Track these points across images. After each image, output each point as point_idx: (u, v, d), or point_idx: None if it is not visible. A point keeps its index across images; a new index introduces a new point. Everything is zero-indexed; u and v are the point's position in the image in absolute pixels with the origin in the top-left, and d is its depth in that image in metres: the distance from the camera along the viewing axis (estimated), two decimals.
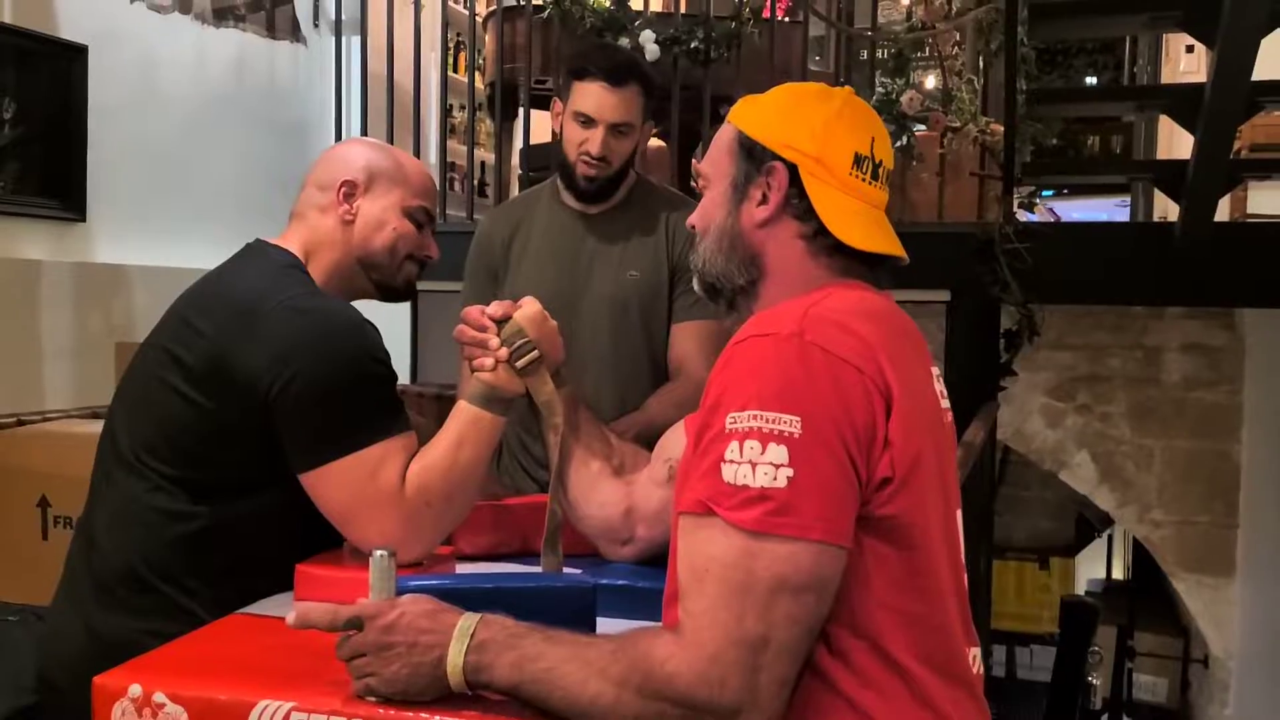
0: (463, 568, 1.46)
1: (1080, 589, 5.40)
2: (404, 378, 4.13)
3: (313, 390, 1.31)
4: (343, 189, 1.51)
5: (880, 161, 1.14)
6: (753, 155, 1.13)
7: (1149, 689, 4.57)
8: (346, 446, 1.31)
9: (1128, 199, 5.81)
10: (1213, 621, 4.05)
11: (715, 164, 1.17)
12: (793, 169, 1.11)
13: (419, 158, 4.24)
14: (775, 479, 0.93)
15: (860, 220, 1.12)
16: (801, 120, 1.13)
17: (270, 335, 1.32)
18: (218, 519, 1.35)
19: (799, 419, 0.95)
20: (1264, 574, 3.87)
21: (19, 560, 2.32)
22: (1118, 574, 5.66)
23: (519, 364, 1.37)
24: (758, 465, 0.94)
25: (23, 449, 2.40)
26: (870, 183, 1.14)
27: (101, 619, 1.36)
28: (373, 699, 1.00)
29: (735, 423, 0.96)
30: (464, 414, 1.38)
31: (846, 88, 1.19)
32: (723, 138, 1.17)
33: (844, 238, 1.11)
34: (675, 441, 1.36)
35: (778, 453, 0.94)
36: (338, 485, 1.31)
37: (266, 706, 1.02)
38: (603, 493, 1.42)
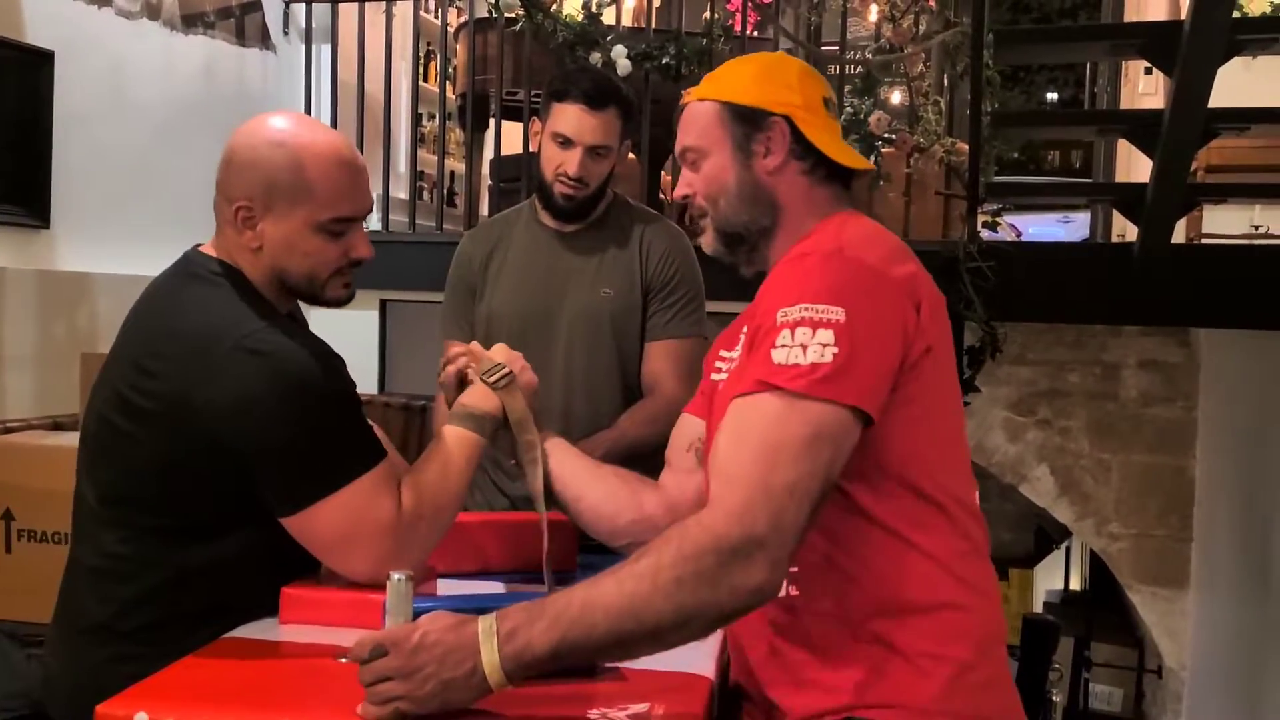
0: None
1: (1039, 600, 5.48)
2: (372, 388, 4.12)
3: (282, 436, 1.26)
4: (240, 215, 1.34)
5: (835, 102, 1.39)
6: (747, 119, 1.31)
7: (1104, 699, 4.65)
8: (331, 484, 1.28)
9: (1071, 215, 5.94)
10: (1167, 633, 4.13)
11: (706, 136, 1.33)
12: (788, 120, 1.30)
13: (389, 167, 4.25)
14: (823, 356, 1.10)
15: (845, 148, 1.36)
16: (780, 81, 1.33)
17: (230, 381, 1.25)
18: (190, 565, 1.31)
19: (843, 309, 1.12)
20: (1217, 587, 3.95)
21: None
22: (1075, 585, 5.75)
23: (492, 380, 1.45)
24: (808, 347, 1.11)
25: None
26: (836, 120, 1.38)
27: (87, 663, 1.34)
28: None
29: (786, 316, 1.13)
30: (449, 435, 1.42)
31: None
32: (704, 113, 1.34)
33: (846, 162, 1.33)
34: (688, 427, 1.47)
35: (825, 335, 1.11)
36: (330, 522, 1.28)
37: None
38: (639, 508, 1.44)
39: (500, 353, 1.50)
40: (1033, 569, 5.51)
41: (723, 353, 1.42)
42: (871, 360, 1.12)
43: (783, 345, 1.12)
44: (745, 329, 1.26)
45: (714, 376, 1.42)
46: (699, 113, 1.35)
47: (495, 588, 1.51)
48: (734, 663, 1.30)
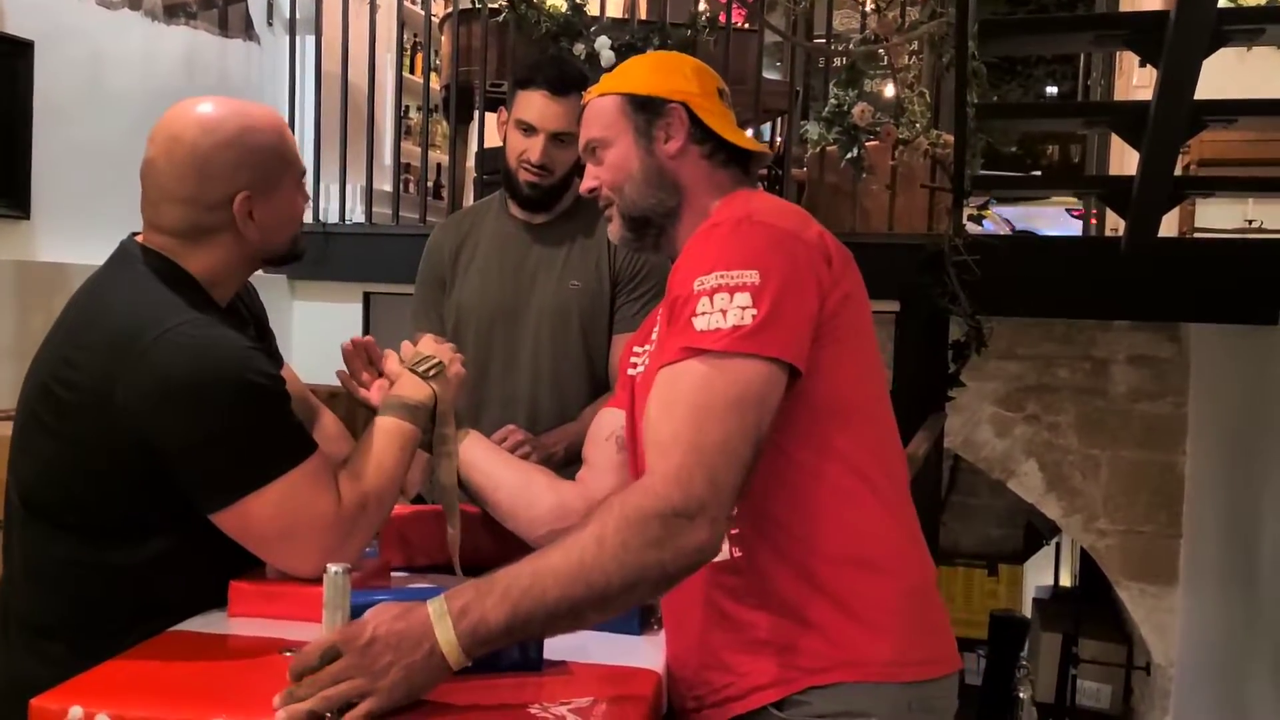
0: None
1: (1028, 596, 5.47)
2: None
3: (204, 430, 1.23)
4: (241, 206, 1.33)
5: (728, 94, 1.44)
6: (646, 107, 1.36)
7: (1093, 695, 4.64)
8: (258, 479, 1.25)
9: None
10: (1155, 629, 4.12)
11: (609, 127, 1.38)
12: (685, 106, 1.36)
13: (372, 159, 4.22)
14: (743, 319, 1.14)
15: (740, 133, 1.41)
16: (676, 72, 1.40)
17: (150, 374, 1.22)
18: (117, 565, 1.28)
19: (757, 270, 1.16)
20: (1205, 583, 3.94)
21: None
22: (1065, 581, 5.74)
23: (421, 369, 1.46)
24: (728, 311, 1.14)
25: None
26: (730, 110, 1.42)
27: (16, 661, 1.32)
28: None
29: (703, 284, 1.16)
30: (383, 426, 1.40)
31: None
32: (606, 106, 1.39)
33: (742, 144, 1.39)
34: (608, 420, 1.49)
35: (743, 298, 1.14)
36: (264, 518, 1.25)
37: None
38: (557, 495, 1.45)
39: (428, 345, 1.51)
40: (1022, 565, 5.50)
41: (636, 349, 1.45)
42: (789, 314, 1.16)
43: (703, 313, 1.15)
44: (660, 311, 1.31)
45: (630, 372, 1.44)
46: (600, 107, 1.40)
47: (453, 581, 1.49)
48: (674, 641, 1.30)
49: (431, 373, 1.45)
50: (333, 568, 1.04)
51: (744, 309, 1.14)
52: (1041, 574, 5.76)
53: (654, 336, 1.37)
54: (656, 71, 1.40)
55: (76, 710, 1.02)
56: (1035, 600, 5.33)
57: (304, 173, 1.45)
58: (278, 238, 1.40)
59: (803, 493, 1.21)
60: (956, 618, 5.14)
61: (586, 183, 1.42)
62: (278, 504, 1.25)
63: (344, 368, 1.52)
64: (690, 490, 1.08)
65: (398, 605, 1.05)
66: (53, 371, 1.29)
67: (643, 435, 1.20)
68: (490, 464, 1.47)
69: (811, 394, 1.19)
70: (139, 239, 1.38)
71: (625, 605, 1.11)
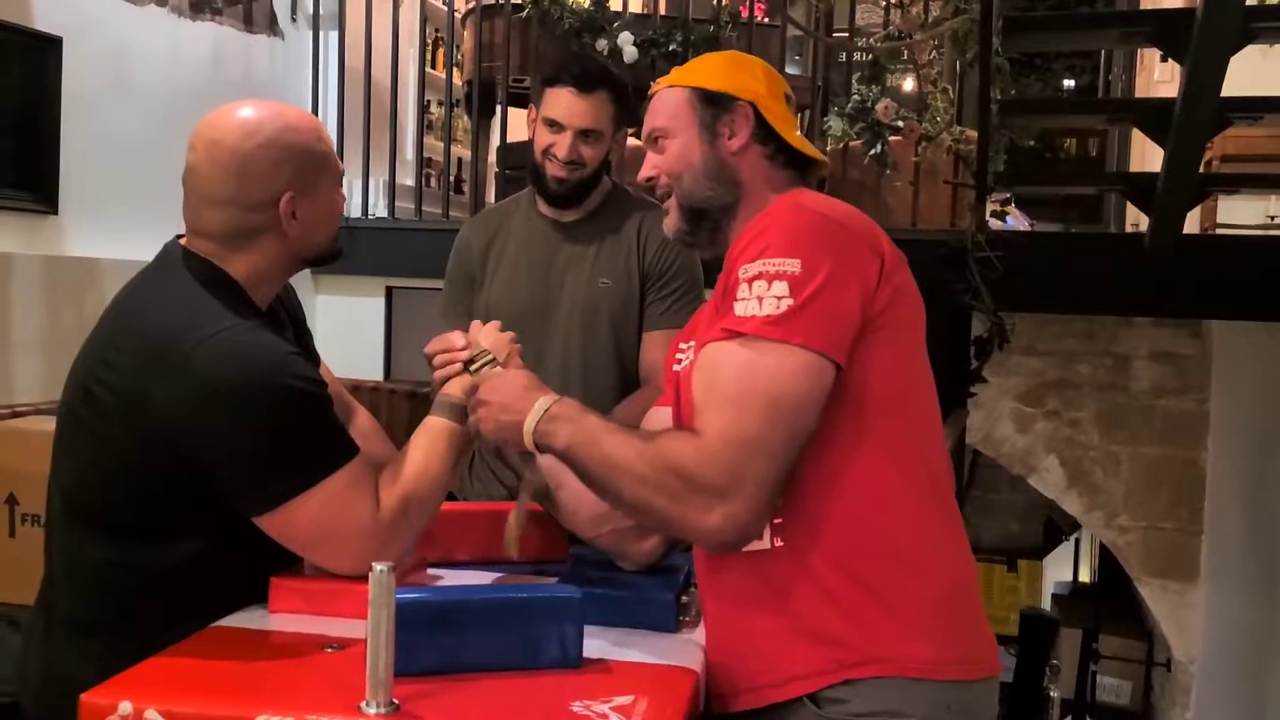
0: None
1: (1047, 591, 5.46)
2: (377, 374, 4.12)
3: (247, 437, 1.24)
4: (287, 206, 1.34)
5: (794, 100, 1.47)
6: (715, 102, 1.39)
7: (1113, 691, 4.63)
8: (301, 484, 1.26)
9: None
10: (1176, 626, 4.11)
11: (674, 118, 1.40)
12: (753, 106, 1.38)
13: (395, 154, 4.25)
14: (778, 307, 1.17)
15: (802, 140, 1.44)
16: (747, 73, 1.42)
17: (189, 381, 1.23)
18: (155, 565, 1.30)
19: (800, 261, 1.18)
20: (1227, 580, 3.93)
21: None
22: (1084, 577, 5.72)
23: (474, 368, 1.46)
24: (764, 299, 1.18)
25: None
26: (794, 115, 1.46)
27: (58, 658, 1.34)
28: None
29: (746, 272, 1.20)
30: (431, 426, 1.41)
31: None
32: (673, 98, 1.41)
33: (802, 149, 1.42)
34: (658, 418, 1.49)
35: (780, 287, 1.17)
36: (306, 522, 1.27)
37: None
38: None
39: (488, 336, 1.50)
40: (1041, 561, 5.49)
41: (681, 344, 1.46)
42: (827, 305, 1.18)
43: (742, 299, 1.20)
44: (721, 280, 1.34)
45: (675, 367, 1.44)
46: (667, 97, 1.42)
47: (487, 578, 1.51)
48: (713, 627, 1.32)
49: (484, 372, 1.45)
50: (378, 566, 1.05)
51: (780, 298, 1.17)
52: (1061, 570, 5.75)
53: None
54: (728, 69, 1.42)
55: (126, 705, 1.04)
56: (1055, 596, 5.32)
57: (342, 173, 1.46)
58: (319, 236, 1.41)
59: (845, 486, 1.23)
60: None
61: (645, 171, 1.43)
62: (320, 508, 1.27)
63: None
64: (710, 478, 1.15)
65: (526, 377, 1.37)
66: (93, 373, 1.31)
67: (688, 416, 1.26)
68: (551, 463, 1.45)
69: (858, 387, 1.21)
70: (183, 242, 1.39)
71: (638, 518, 1.29)
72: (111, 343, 1.31)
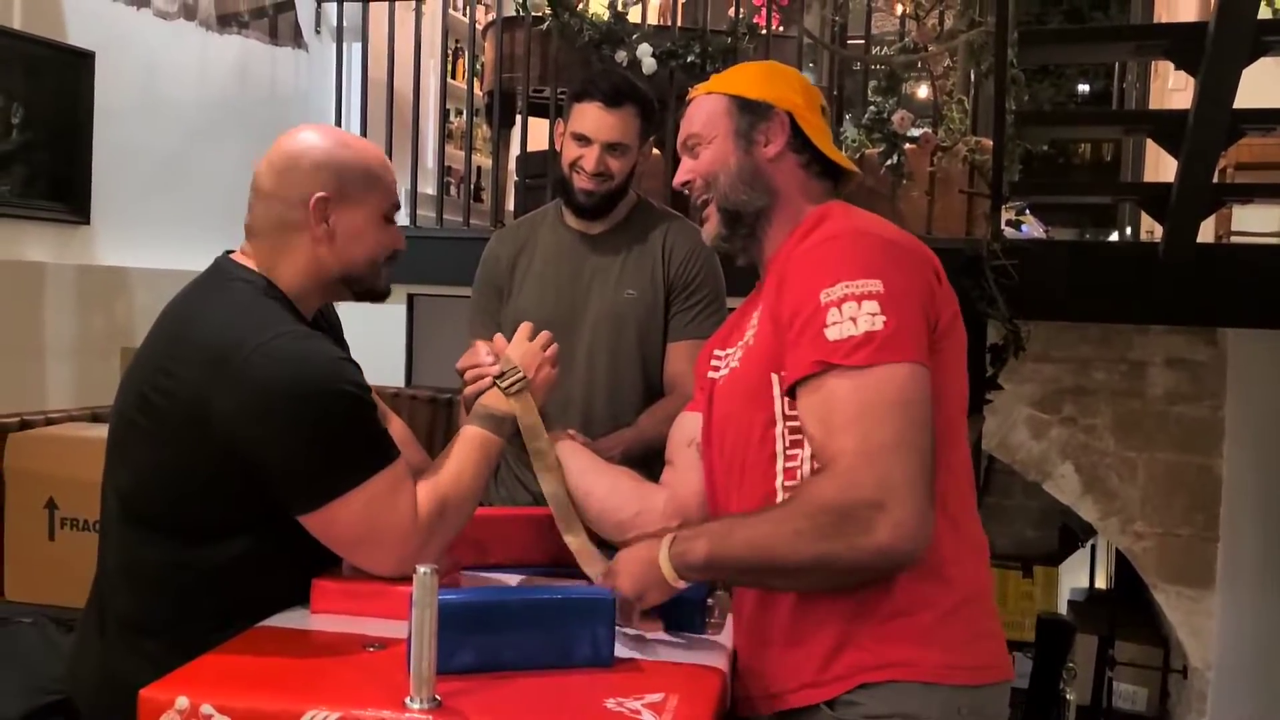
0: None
1: (1063, 598, 5.46)
2: (399, 381, 4.18)
3: (299, 438, 1.30)
4: (316, 206, 1.40)
5: (829, 112, 1.51)
6: (752, 110, 1.41)
7: (1129, 698, 4.64)
8: (346, 484, 1.32)
9: None
10: (1192, 632, 4.11)
11: (711, 125, 1.43)
12: (790, 116, 1.41)
13: (417, 163, 4.31)
14: (874, 324, 1.19)
15: (837, 151, 1.46)
16: (785, 83, 1.45)
17: (248, 385, 1.29)
18: (210, 565, 1.35)
19: (880, 281, 1.22)
20: (1242, 586, 3.94)
21: (28, 561, 2.36)
22: (1100, 583, 5.73)
23: (504, 385, 1.50)
24: (858, 319, 1.20)
25: (31, 452, 2.43)
26: (829, 126, 1.48)
27: (114, 656, 1.39)
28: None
29: (829, 295, 1.22)
30: (467, 435, 1.47)
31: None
32: (711, 104, 1.44)
33: (837, 160, 1.44)
34: (688, 424, 1.54)
35: (871, 305, 1.20)
36: (349, 521, 1.33)
37: (315, 715, 1.06)
38: (642, 500, 1.51)
39: (517, 350, 1.54)
40: (1057, 567, 5.49)
41: (717, 351, 1.48)
42: (912, 322, 1.22)
43: (834, 323, 1.21)
44: (757, 316, 1.36)
45: (710, 375, 1.47)
46: (706, 104, 1.45)
47: (515, 580, 1.56)
48: (739, 632, 1.36)
49: (515, 389, 1.50)
50: (422, 568, 1.09)
51: (874, 315, 1.19)
52: (1077, 576, 5.75)
53: (745, 340, 1.39)
54: (767, 79, 1.45)
55: (183, 700, 1.09)
56: (1070, 603, 5.32)
57: (396, 208, 1.49)
58: (355, 254, 1.44)
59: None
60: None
61: (680, 176, 1.46)
62: (362, 508, 1.32)
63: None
64: (859, 494, 1.14)
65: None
66: (150, 381, 1.37)
67: (724, 443, 1.30)
68: (583, 472, 1.53)
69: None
70: (234, 256, 1.46)
71: (814, 584, 1.24)
72: (168, 352, 1.37)
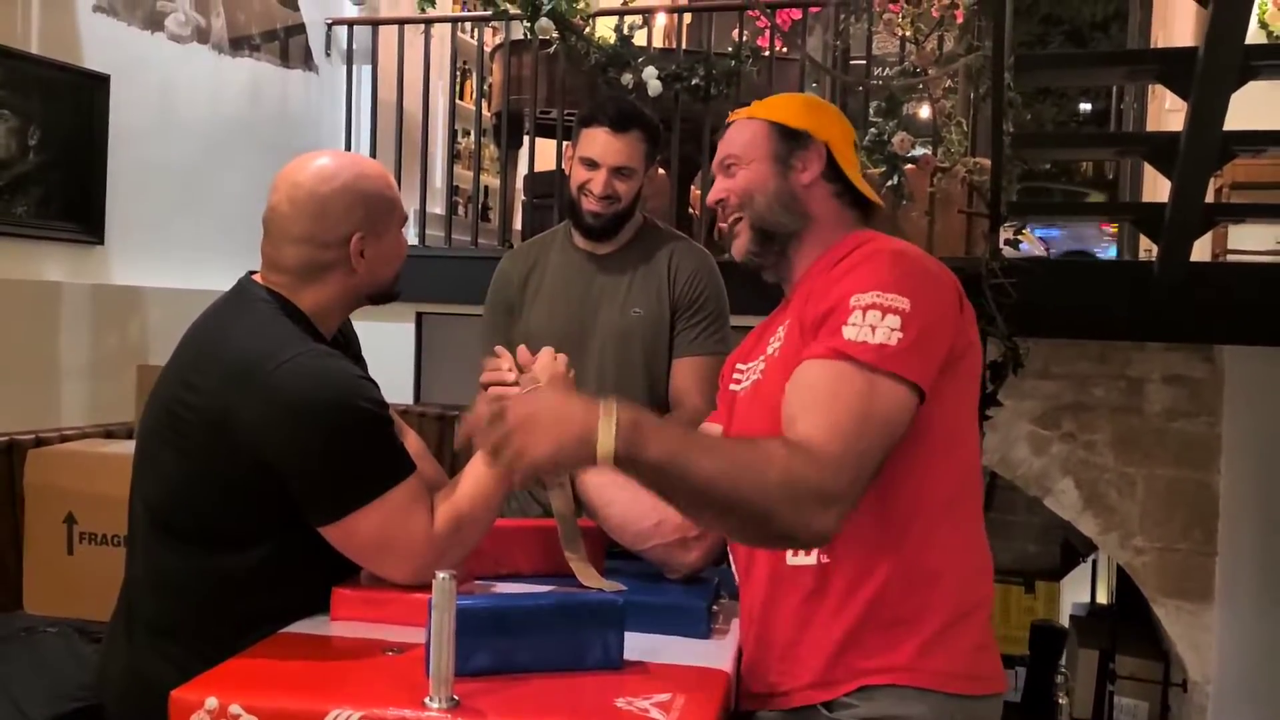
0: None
1: (1064, 612, 5.49)
2: (407, 398, 4.23)
3: (321, 452, 1.36)
4: (356, 246, 1.47)
5: (860, 146, 1.49)
6: (791, 137, 1.47)
7: (1130, 712, 4.66)
8: (365, 496, 1.38)
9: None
10: (1191, 646, 4.14)
11: (751, 148, 1.48)
12: (826, 147, 1.47)
13: (425, 183, 4.38)
14: (890, 339, 1.24)
15: (866, 185, 1.52)
16: (825, 115, 1.52)
17: (272, 399, 1.35)
18: (235, 573, 1.40)
19: (909, 300, 1.26)
20: (1241, 600, 3.97)
21: (48, 575, 2.41)
22: (1102, 598, 5.76)
23: None
24: (877, 328, 1.25)
25: (50, 468, 2.48)
26: (859, 161, 1.55)
27: (141, 663, 1.44)
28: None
29: (859, 300, 1.27)
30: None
31: None
32: (750, 129, 1.50)
33: (866, 193, 1.51)
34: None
35: (893, 320, 1.25)
36: (368, 532, 1.39)
37: (339, 714, 1.10)
38: (660, 511, 1.52)
39: (542, 368, 1.61)
40: (1059, 582, 5.53)
41: (739, 365, 1.53)
42: (928, 345, 1.26)
43: (854, 324, 1.26)
44: (783, 329, 1.41)
45: (732, 387, 1.52)
46: (746, 127, 1.50)
47: (531, 589, 1.60)
48: (744, 634, 1.40)
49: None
50: (441, 574, 1.14)
51: (892, 330, 1.24)
52: (1078, 591, 5.78)
53: (768, 352, 1.44)
54: (807, 109, 1.51)
55: (212, 701, 1.14)
56: (1072, 617, 5.35)
57: (406, 217, 1.58)
58: (383, 275, 1.54)
59: (895, 510, 1.30)
60: (995, 634, 5.17)
61: (714, 194, 1.51)
62: (381, 520, 1.38)
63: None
64: (837, 485, 1.19)
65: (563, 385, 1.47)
66: (176, 396, 1.43)
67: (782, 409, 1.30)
68: (603, 485, 1.57)
69: (924, 420, 1.28)
70: (255, 277, 1.52)
71: (731, 527, 1.26)
72: (194, 368, 1.44)
